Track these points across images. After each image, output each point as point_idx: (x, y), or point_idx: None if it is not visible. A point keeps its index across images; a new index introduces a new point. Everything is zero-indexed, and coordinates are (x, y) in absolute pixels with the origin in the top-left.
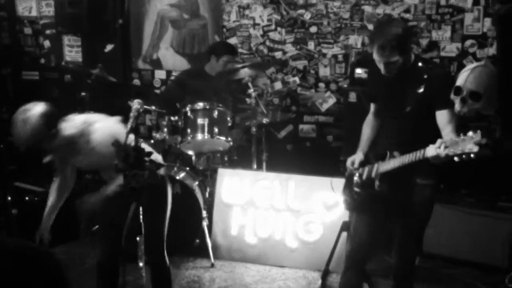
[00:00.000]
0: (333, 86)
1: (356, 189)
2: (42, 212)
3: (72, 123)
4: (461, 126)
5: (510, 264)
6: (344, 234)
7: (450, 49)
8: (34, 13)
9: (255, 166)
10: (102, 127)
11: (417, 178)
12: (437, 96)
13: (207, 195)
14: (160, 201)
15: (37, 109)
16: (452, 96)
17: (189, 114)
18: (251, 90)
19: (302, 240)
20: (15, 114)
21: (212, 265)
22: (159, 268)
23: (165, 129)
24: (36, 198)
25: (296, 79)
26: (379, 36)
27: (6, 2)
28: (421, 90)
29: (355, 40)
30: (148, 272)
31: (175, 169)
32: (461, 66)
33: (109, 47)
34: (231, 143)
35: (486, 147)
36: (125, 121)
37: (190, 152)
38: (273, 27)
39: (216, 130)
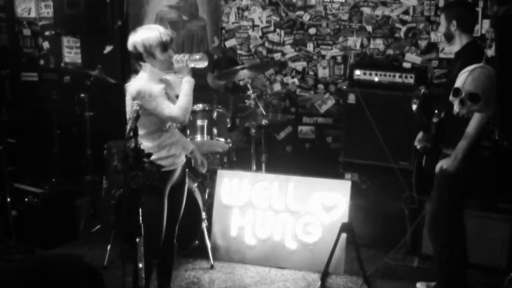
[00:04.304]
0: (332, 88)
1: None
2: (43, 213)
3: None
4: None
5: (509, 265)
6: (344, 236)
7: (449, 50)
8: (33, 15)
9: (254, 167)
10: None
11: (443, 148)
12: None
13: (206, 196)
14: (183, 190)
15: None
16: (451, 97)
17: None
18: (250, 92)
19: (301, 241)
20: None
21: (212, 267)
22: (170, 253)
23: None
24: (35, 200)
25: (295, 80)
26: None
27: (5, 3)
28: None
29: (354, 42)
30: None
31: None
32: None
33: (108, 49)
34: (231, 145)
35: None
36: (124, 122)
37: None
38: (272, 28)
39: (215, 131)
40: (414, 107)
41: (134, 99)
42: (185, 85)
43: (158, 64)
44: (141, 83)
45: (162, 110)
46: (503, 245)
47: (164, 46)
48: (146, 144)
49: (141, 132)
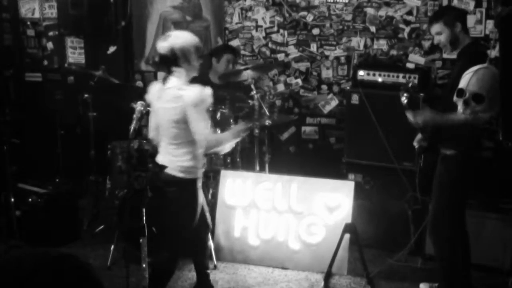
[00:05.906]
0: (335, 88)
1: None
2: (46, 213)
3: None
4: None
5: None
6: (347, 236)
7: None
8: (37, 15)
9: (257, 168)
10: None
11: (442, 148)
12: None
13: (210, 196)
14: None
15: None
16: (455, 98)
17: None
18: (253, 92)
19: (304, 242)
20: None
21: (215, 267)
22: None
23: None
24: (39, 200)
25: (299, 81)
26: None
27: (9, 3)
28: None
29: (358, 42)
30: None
31: None
32: None
33: (111, 49)
34: (233, 145)
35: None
36: (128, 122)
37: None
38: (275, 29)
39: (218, 132)
40: (403, 99)
41: (194, 106)
42: (237, 139)
43: (191, 69)
44: (201, 91)
45: (199, 123)
46: (506, 245)
47: (200, 53)
48: (188, 150)
49: (188, 139)
